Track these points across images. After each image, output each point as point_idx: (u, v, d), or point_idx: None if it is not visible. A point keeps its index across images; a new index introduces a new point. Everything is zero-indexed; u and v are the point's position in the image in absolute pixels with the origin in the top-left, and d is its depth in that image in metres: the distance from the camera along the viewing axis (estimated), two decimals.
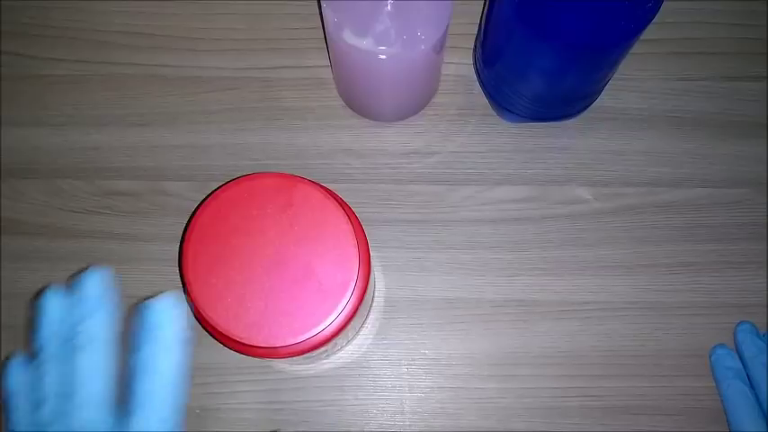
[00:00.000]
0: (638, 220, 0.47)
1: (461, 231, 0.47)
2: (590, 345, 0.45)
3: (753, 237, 0.47)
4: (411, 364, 0.45)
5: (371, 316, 0.45)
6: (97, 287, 0.29)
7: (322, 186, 0.35)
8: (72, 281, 0.30)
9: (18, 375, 0.31)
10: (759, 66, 0.50)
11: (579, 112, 0.48)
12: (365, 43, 0.39)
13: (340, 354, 0.45)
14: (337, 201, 0.35)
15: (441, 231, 0.47)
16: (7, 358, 0.31)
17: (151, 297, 0.29)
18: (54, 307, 0.30)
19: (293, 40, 0.51)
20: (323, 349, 0.35)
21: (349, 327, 0.35)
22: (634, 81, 0.50)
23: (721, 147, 0.49)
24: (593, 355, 0.45)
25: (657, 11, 0.37)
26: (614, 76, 0.46)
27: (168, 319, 0.29)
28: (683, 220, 0.47)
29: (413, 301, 0.46)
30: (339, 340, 0.37)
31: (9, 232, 0.47)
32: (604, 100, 0.49)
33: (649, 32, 0.38)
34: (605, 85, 0.47)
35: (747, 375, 0.43)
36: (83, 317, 0.29)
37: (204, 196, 0.36)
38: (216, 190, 0.35)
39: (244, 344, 0.33)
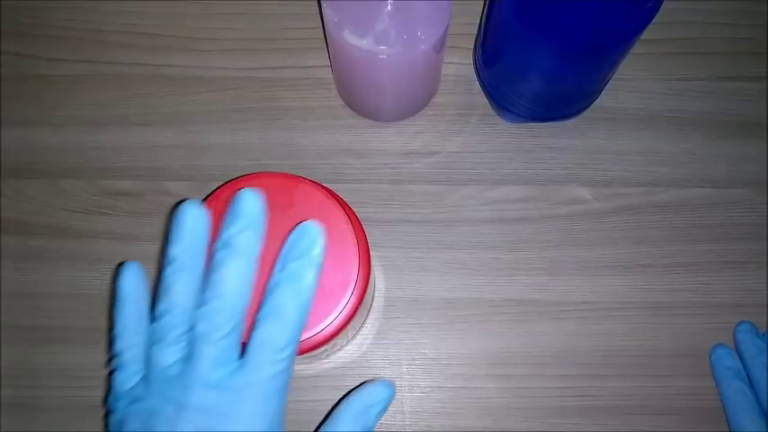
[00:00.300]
0: (637, 220, 0.47)
1: (461, 231, 0.47)
2: (589, 344, 0.45)
3: (752, 237, 0.47)
4: (411, 364, 0.45)
5: (371, 316, 0.45)
6: (255, 203, 0.30)
7: (322, 186, 0.35)
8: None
9: (135, 281, 0.31)
10: (759, 66, 0.50)
11: (579, 112, 0.48)
12: (365, 43, 0.39)
13: (340, 353, 0.45)
14: (337, 201, 0.35)
15: (441, 231, 0.47)
16: (121, 264, 0.32)
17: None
18: (194, 220, 0.30)
19: (293, 40, 0.51)
20: (323, 349, 0.35)
21: (349, 327, 0.35)
22: (633, 81, 0.50)
23: (721, 147, 0.49)
24: (592, 354, 0.45)
25: (657, 11, 0.37)
26: (614, 76, 0.46)
27: (320, 240, 0.30)
28: (682, 220, 0.47)
29: (413, 301, 0.46)
30: (339, 340, 0.37)
31: (9, 232, 0.47)
32: (604, 100, 0.49)
33: (649, 32, 0.38)
34: (605, 85, 0.47)
35: (747, 375, 0.43)
36: (239, 230, 0.29)
37: (204, 196, 0.36)
38: (216, 190, 0.35)
39: (244, 343, 0.33)
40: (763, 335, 0.45)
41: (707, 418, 0.44)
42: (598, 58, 0.40)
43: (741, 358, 0.44)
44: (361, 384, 0.35)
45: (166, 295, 0.30)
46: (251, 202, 0.30)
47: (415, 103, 0.48)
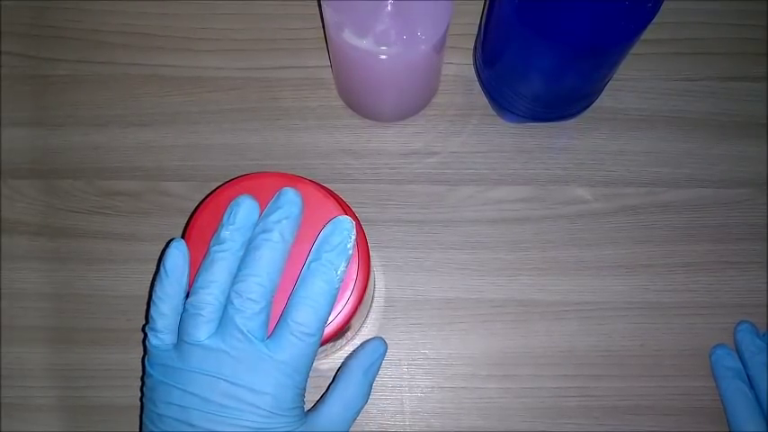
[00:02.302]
0: (637, 221, 0.47)
1: (461, 231, 0.47)
2: (589, 344, 0.45)
3: (753, 237, 0.47)
4: (411, 364, 0.45)
5: (371, 316, 0.45)
6: (296, 198, 0.33)
7: (322, 186, 0.35)
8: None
9: (180, 257, 0.33)
10: (759, 66, 0.50)
11: (579, 112, 0.48)
12: (365, 43, 0.39)
13: (340, 353, 0.45)
14: (337, 201, 0.35)
15: (441, 231, 0.47)
16: (168, 243, 0.34)
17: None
18: (246, 208, 0.33)
19: (293, 41, 0.51)
20: (322, 349, 0.35)
21: (349, 326, 0.35)
22: (634, 81, 0.50)
23: (721, 147, 0.49)
24: (593, 354, 0.45)
25: (657, 11, 0.37)
26: (614, 76, 0.46)
27: (352, 234, 0.33)
28: (683, 220, 0.47)
29: (413, 301, 0.46)
30: (339, 340, 0.37)
31: (9, 232, 0.47)
32: (604, 100, 0.49)
33: (649, 32, 0.38)
34: (605, 85, 0.47)
35: (747, 375, 0.43)
36: (279, 218, 0.33)
37: (204, 196, 0.36)
38: (216, 190, 0.35)
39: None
40: (763, 335, 0.45)
41: (707, 418, 0.44)
42: (598, 58, 0.40)
43: (741, 358, 0.44)
44: (359, 347, 0.39)
45: (207, 271, 0.32)
46: (293, 196, 0.33)
47: (415, 104, 0.48)
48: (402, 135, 0.49)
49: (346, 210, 0.35)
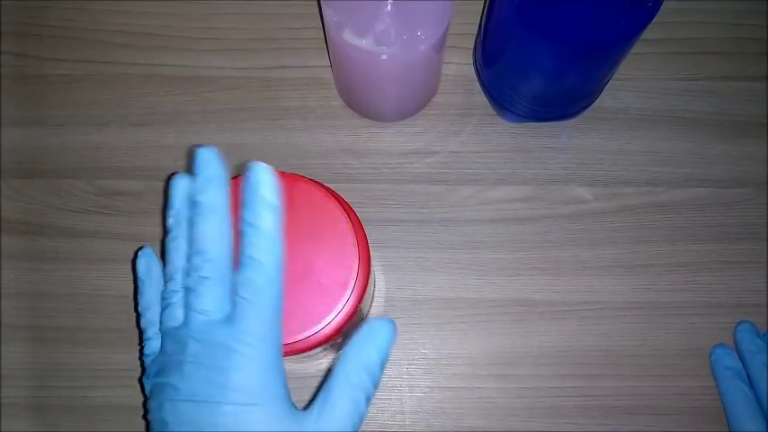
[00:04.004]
0: (637, 220, 0.47)
1: (461, 231, 0.47)
2: (589, 344, 0.45)
3: (753, 237, 0.47)
4: (411, 364, 0.45)
5: (371, 316, 0.45)
6: (211, 158, 0.31)
7: (322, 185, 0.35)
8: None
9: (149, 261, 0.34)
10: (759, 66, 0.50)
11: (579, 111, 0.48)
12: (365, 43, 0.39)
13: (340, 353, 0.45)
14: (337, 200, 0.35)
15: (440, 231, 0.47)
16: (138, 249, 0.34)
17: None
18: (176, 188, 0.32)
19: (293, 40, 0.51)
20: (322, 348, 0.35)
21: (349, 326, 0.35)
22: (634, 81, 0.50)
23: (721, 147, 0.49)
24: (593, 354, 0.45)
25: (657, 11, 0.37)
26: (614, 75, 0.46)
27: (266, 178, 0.30)
28: (683, 219, 0.47)
29: (413, 301, 0.46)
30: (339, 340, 0.37)
31: (9, 232, 0.47)
32: (604, 100, 0.49)
33: (649, 32, 0.38)
34: (605, 84, 0.47)
35: (747, 375, 0.43)
36: (202, 185, 0.30)
37: None
38: None
39: None
40: (763, 334, 0.45)
41: (707, 418, 0.44)
42: (598, 58, 0.40)
43: (741, 358, 0.44)
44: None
45: (168, 264, 0.32)
46: (206, 155, 0.31)
47: (415, 103, 0.48)
48: (402, 135, 0.49)
49: (346, 209, 0.35)
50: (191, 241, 0.31)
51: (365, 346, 0.31)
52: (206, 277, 0.30)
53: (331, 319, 0.33)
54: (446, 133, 0.49)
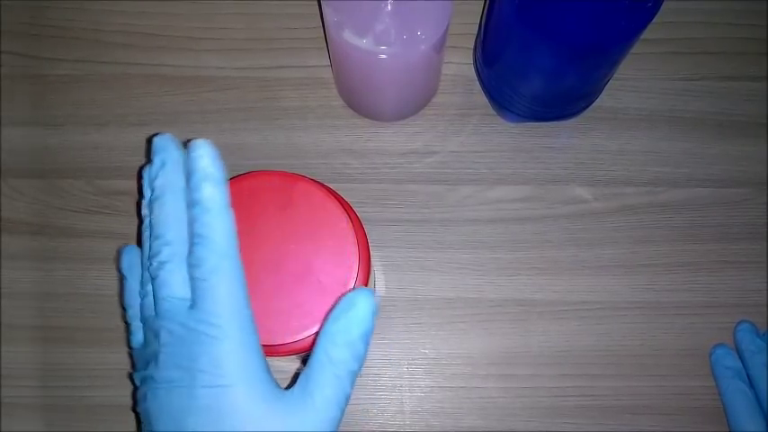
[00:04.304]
0: (637, 220, 0.47)
1: (461, 231, 0.47)
2: (589, 344, 0.45)
3: (753, 237, 0.47)
4: (411, 364, 0.45)
5: None
6: (162, 140, 0.31)
7: (322, 185, 0.35)
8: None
9: (132, 258, 0.34)
10: (759, 66, 0.50)
11: (579, 111, 0.48)
12: (365, 43, 0.39)
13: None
14: (337, 199, 0.35)
15: (440, 231, 0.47)
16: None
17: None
18: (146, 177, 0.32)
19: (293, 40, 0.51)
20: None
21: None
22: (634, 81, 0.50)
23: (721, 147, 0.49)
24: (592, 354, 0.45)
25: (657, 11, 0.37)
26: (614, 75, 0.46)
27: (205, 151, 0.30)
28: (683, 219, 0.47)
29: (413, 301, 0.46)
30: None
31: (9, 232, 0.47)
32: (604, 100, 0.49)
33: (649, 32, 0.38)
34: (605, 85, 0.47)
35: (747, 375, 0.43)
36: (156, 170, 0.31)
37: None
38: None
39: None
40: (763, 334, 0.45)
41: (707, 418, 0.44)
42: (598, 58, 0.40)
43: (741, 358, 0.44)
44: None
45: (143, 254, 0.32)
46: (160, 142, 0.31)
47: (415, 103, 0.48)
48: (402, 135, 0.49)
49: (346, 209, 0.35)
50: (151, 229, 0.31)
51: (343, 320, 0.30)
52: (165, 262, 0.29)
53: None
54: (446, 133, 0.49)
